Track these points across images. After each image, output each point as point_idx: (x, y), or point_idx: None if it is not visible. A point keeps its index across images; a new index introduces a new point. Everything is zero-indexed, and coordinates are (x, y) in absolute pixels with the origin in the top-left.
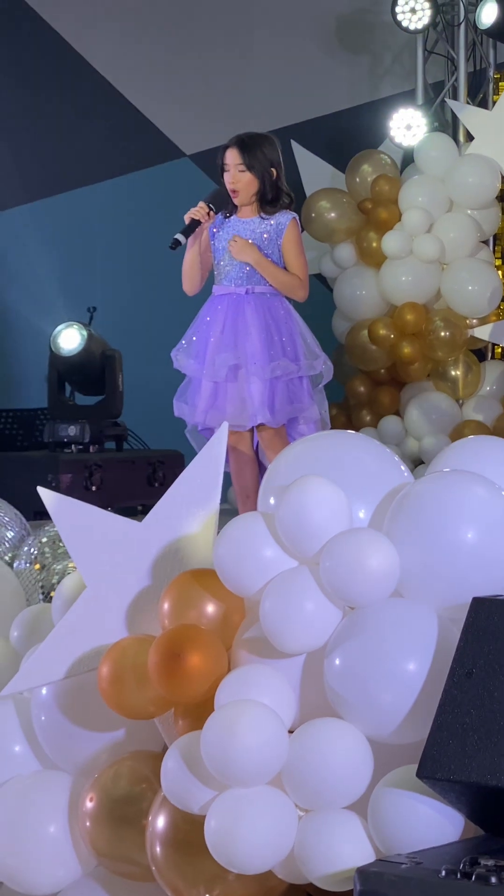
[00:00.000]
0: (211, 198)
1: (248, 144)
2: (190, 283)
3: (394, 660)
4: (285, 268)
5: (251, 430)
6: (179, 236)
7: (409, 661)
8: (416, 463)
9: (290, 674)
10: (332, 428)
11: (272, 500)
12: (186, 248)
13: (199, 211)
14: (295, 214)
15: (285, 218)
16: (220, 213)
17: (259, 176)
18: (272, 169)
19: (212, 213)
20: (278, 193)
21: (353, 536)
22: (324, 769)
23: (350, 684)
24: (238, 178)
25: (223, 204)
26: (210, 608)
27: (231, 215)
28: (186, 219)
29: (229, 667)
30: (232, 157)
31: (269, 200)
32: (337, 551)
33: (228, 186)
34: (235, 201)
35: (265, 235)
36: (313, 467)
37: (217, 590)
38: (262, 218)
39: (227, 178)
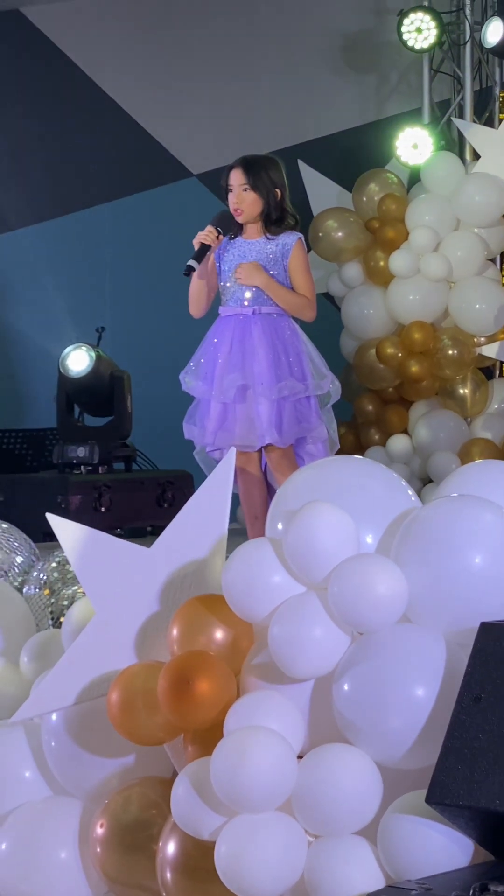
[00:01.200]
0: (217, 220)
1: (253, 165)
2: (196, 307)
3: (402, 685)
4: (292, 288)
5: (259, 452)
6: (192, 262)
7: (417, 686)
8: (425, 481)
9: (299, 699)
10: (340, 447)
11: (280, 526)
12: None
13: (208, 235)
14: (301, 234)
15: (291, 238)
16: (227, 236)
17: (263, 196)
18: (276, 190)
19: (220, 236)
20: (283, 214)
21: (360, 562)
22: (333, 795)
23: (359, 710)
24: (242, 197)
25: (229, 226)
26: (219, 634)
27: (236, 237)
28: (195, 244)
29: (238, 693)
30: (236, 178)
31: (273, 220)
32: (345, 577)
33: (232, 206)
34: (239, 220)
35: (271, 256)
36: (321, 493)
37: (226, 616)
38: (267, 238)
39: (231, 198)
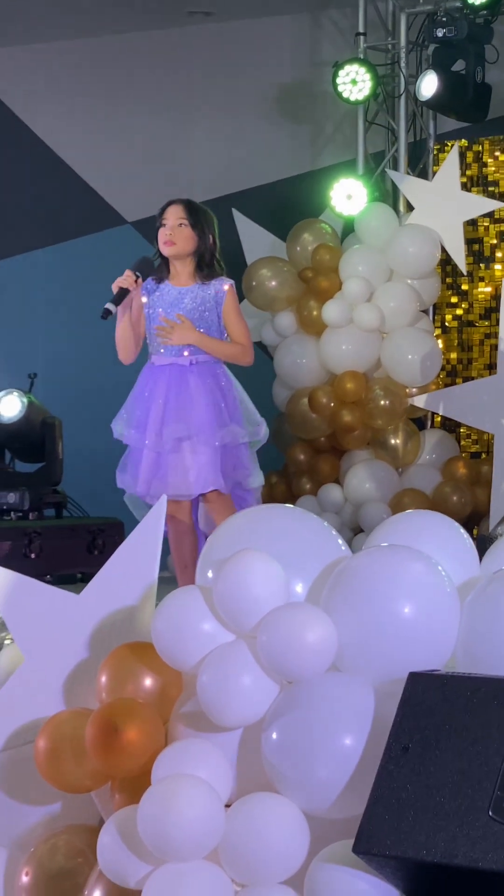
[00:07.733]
0: (136, 265)
1: (194, 205)
2: (125, 353)
3: (330, 734)
4: (226, 333)
5: (191, 500)
6: (110, 305)
7: (345, 735)
8: (356, 531)
9: (228, 748)
10: (272, 496)
11: (210, 574)
12: (117, 319)
13: (126, 280)
14: (232, 281)
15: (223, 284)
16: (152, 279)
17: (200, 234)
18: (211, 236)
19: (139, 280)
20: (212, 259)
21: (290, 611)
22: (260, 844)
23: (287, 759)
24: (178, 231)
25: (149, 271)
26: (147, 682)
27: (162, 281)
28: (114, 288)
29: (166, 741)
30: (175, 212)
31: (206, 263)
32: (274, 626)
33: (163, 239)
34: (168, 252)
35: (204, 302)
36: (251, 541)
37: (154, 663)
38: (200, 284)
39: (163, 231)
